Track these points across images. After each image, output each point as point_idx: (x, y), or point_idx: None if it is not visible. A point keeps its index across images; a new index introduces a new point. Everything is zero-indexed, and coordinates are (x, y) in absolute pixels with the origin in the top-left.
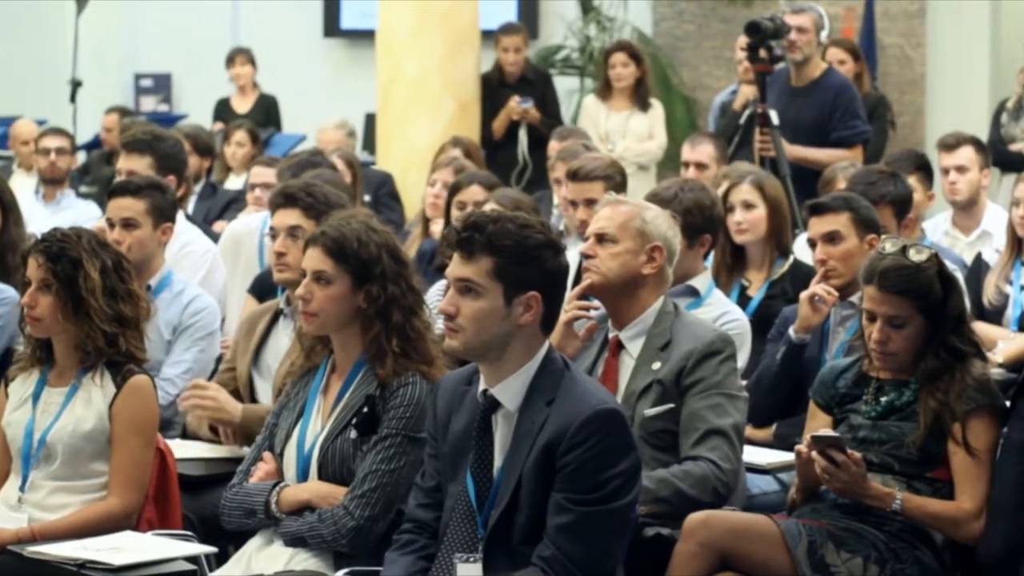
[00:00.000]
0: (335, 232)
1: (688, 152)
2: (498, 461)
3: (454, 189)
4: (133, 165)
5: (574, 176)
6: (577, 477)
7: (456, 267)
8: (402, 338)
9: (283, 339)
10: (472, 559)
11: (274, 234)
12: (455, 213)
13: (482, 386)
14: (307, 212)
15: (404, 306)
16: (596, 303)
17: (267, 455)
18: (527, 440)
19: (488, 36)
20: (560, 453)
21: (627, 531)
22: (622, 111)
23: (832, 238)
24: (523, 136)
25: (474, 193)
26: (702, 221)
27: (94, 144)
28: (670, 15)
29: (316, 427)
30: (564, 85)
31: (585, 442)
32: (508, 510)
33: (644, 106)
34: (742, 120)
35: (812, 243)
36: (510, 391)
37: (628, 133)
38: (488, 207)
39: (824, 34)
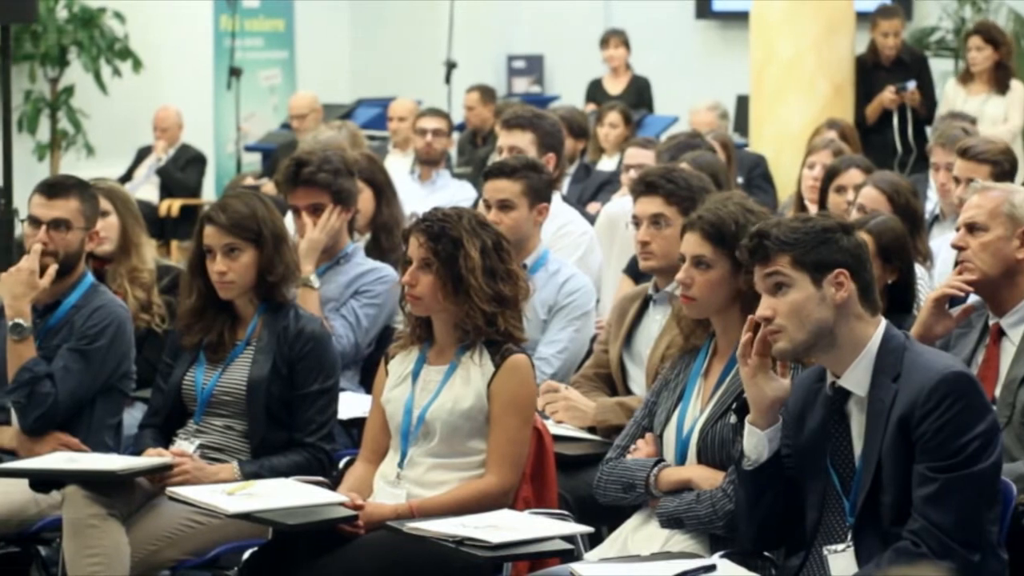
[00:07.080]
0: (713, 216)
1: None
2: (858, 449)
3: (832, 173)
4: (515, 141)
5: (964, 153)
6: (934, 445)
7: (758, 274)
8: None
9: (653, 325)
10: (842, 548)
11: (637, 222)
12: (832, 197)
13: (829, 380)
14: (669, 199)
15: None
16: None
17: (649, 436)
18: (880, 420)
19: (862, 17)
20: (914, 425)
21: (995, 496)
22: (979, 95)
23: None
24: (896, 121)
25: (853, 177)
26: None
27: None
28: None
29: (695, 410)
30: (938, 67)
31: (937, 408)
32: (873, 494)
33: (1002, 89)
34: None
35: None
36: (856, 377)
37: (983, 118)
38: (866, 191)
39: None
